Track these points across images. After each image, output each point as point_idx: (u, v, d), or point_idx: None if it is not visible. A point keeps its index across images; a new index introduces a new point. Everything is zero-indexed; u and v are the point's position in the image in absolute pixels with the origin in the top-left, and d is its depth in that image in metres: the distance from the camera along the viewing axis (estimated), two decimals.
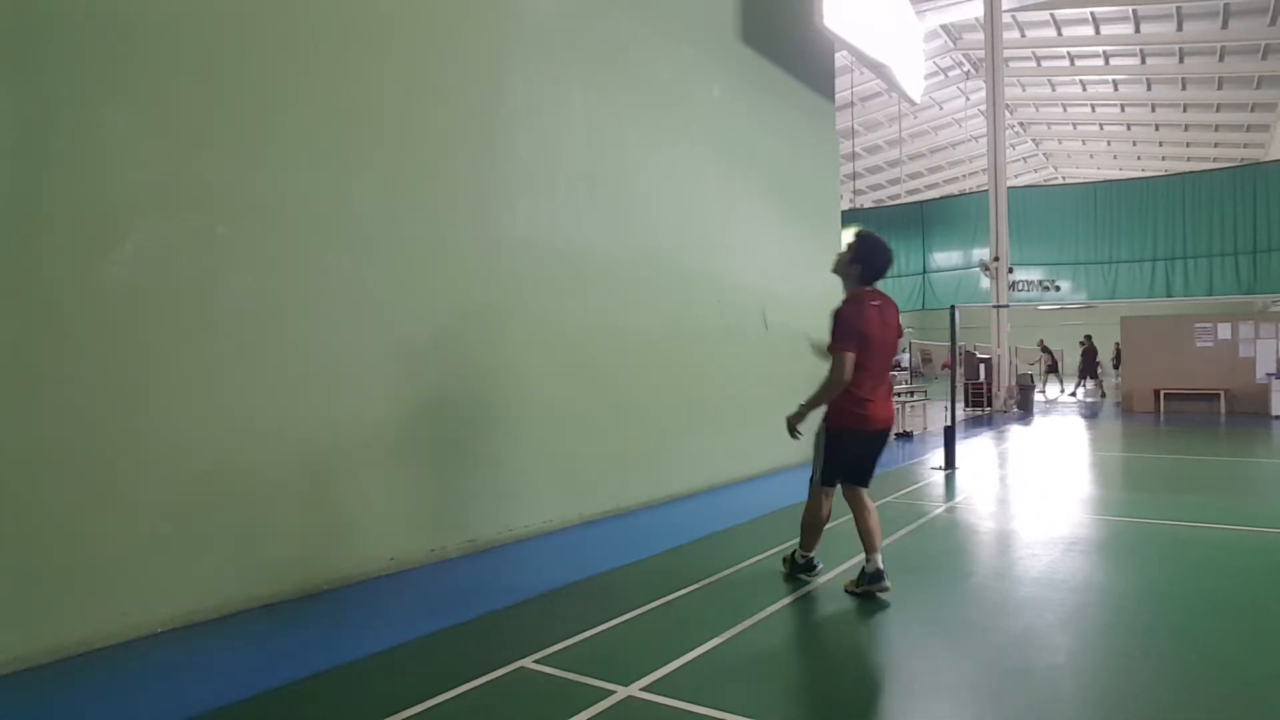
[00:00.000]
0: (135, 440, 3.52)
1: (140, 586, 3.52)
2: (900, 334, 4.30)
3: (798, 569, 4.38)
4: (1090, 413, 16.50)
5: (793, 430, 4.26)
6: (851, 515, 4.15)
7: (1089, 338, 20.53)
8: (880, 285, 4.25)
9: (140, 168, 3.55)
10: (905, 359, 25.21)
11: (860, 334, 3.97)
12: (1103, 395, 21.41)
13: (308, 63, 4.24)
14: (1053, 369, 23.58)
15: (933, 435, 11.52)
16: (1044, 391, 21.53)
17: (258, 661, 3.31)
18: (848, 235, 4.30)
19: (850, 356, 3.95)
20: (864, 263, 4.08)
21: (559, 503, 5.69)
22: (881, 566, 3.98)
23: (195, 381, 3.73)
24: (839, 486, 4.22)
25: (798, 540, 4.37)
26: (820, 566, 4.39)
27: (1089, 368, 20.73)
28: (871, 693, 3.00)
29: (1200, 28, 17.63)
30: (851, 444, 4.13)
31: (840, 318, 4.02)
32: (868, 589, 3.96)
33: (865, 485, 4.18)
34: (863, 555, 4.07)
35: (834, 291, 4.29)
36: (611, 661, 3.16)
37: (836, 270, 4.22)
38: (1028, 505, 6.48)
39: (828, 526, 4.33)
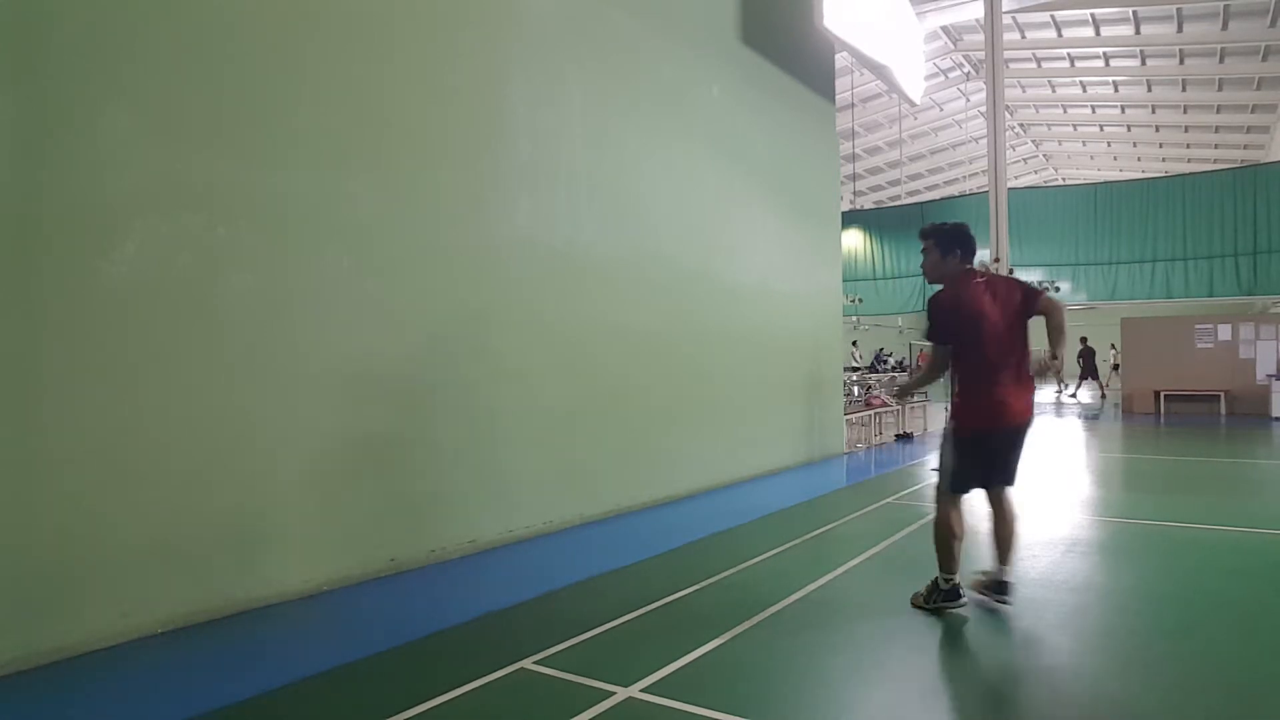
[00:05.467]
0: (135, 440, 3.52)
1: (140, 586, 3.51)
2: (1032, 307, 3.66)
3: (939, 598, 3.76)
4: (1090, 414, 16.49)
5: (899, 398, 4.03)
6: (935, 520, 3.79)
7: (1084, 339, 20.69)
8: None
9: (140, 168, 3.55)
10: (905, 360, 25.27)
11: (963, 320, 3.61)
12: (1103, 396, 21.48)
13: (308, 63, 4.24)
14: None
15: (933, 436, 11.52)
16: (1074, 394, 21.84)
17: (258, 662, 3.31)
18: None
19: (944, 349, 3.70)
20: (961, 245, 3.78)
21: (559, 503, 5.69)
22: (1008, 579, 3.70)
23: (195, 381, 3.73)
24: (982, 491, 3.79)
25: (936, 566, 3.80)
26: (965, 598, 3.77)
27: (1089, 368, 20.85)
28: (871, 693, 3.00)
29: (1200, 29, 17.62)
30: (978, 446, 3.67)
31: (939, 306, 3.71)
32: (986, 595, 3.73)
33: (1006, 485, 3.77)
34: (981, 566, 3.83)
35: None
36: (611, 662, 3.16)
37: (934, 276, 3.88)
38: (1028, 506, 6.47)
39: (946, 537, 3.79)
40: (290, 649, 3.47)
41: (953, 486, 3.76)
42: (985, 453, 3.67)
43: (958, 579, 3.76)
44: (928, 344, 3.81)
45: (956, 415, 3.71)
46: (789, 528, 5.60)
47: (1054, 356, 3.49)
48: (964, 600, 3.75)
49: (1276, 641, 3.35)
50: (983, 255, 17.08)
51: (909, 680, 3.11)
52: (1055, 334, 3.58)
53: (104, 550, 3.42)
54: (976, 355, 3.62)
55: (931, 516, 3.87)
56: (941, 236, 3.82)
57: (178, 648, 3.43)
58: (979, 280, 3.71)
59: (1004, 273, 16.17)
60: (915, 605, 3.86)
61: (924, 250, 3.89)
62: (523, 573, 4.67)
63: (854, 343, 26.13)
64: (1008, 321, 3.62)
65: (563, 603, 4.02)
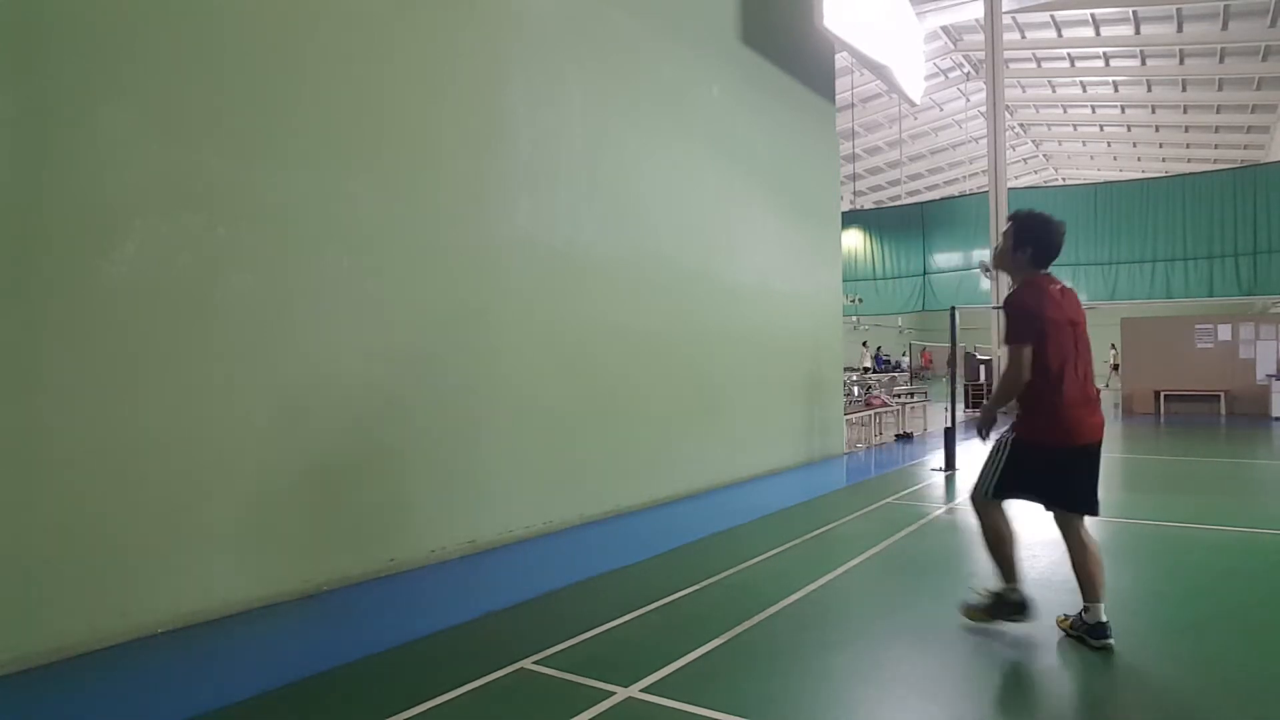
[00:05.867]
0: (135, 439, 3.52)
1: (140, 586, 3.52)
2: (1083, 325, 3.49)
3: (1005, 611, 3.48)
4: None
5: (982, 433, 3.58)
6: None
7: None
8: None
9: (140, 168, 3.55)
10: (905, 360, 25.27)
11: (1046, 323, 3.30)
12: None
13: (308, 63, 4.25)
14: None
15: (933, 436, 11.52)
16: None
17: (258, 662, 3.31)
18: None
19: (1029, 351, 3.29)
20: (1034, 243, 3.47)
21: (559, 503, 5.69)
22: (1104, 619, 3.25)
23: (195, 381, 3.73)
24: (1056, 515, 3.45)
25: (998, 579, 3.54)
26: (1031, 605, 3.47)
27: None
28: (871, 693, 3.00)
29: (1200, 29, 17.62)
30: (1045, 460, 3.34)
31: (1015, 305, 3.37)
32: (1084, 639, 3.29)
33: (1085, 514, 3.38)
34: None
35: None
36: (611, 662, 3.16)
37: (1000, 264, 3.62)
38: (1028, 506, 6.47)
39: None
40: (290, 649, 3.47)
41: (995, 492, 3.46)
42: (1051, 468, 3.34)
43: (1020, 587, 3.47)
44: (1007, 345, 3.43)
45: (1031, 427, 3.37)
46: (789, 528, 5.60)
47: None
48: (1030, 614, 3.45)
49: (1276, 641, 3.35)
50: (983, 255, 17.11)
51: (909, 680, 3.11)
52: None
53: (104, 550, 3.41)
54: (1054, 362, 3.30)
55: (976, 526, 3.61)
56: (1025, 224, 3.50)
57: (178, 648, 3.43)
58: (1057, 287, 3.45)
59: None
60: (971, 617, 3.55)
61: (1005, 233, 3.59)
62: (523, 573, 4.67)
63: (864, 343, 26.15)
64: (1082, 331, 3.43)
65: (563, 603, 4.02)
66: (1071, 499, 3.37)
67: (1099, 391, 3.50)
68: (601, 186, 6.19)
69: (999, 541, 3.51)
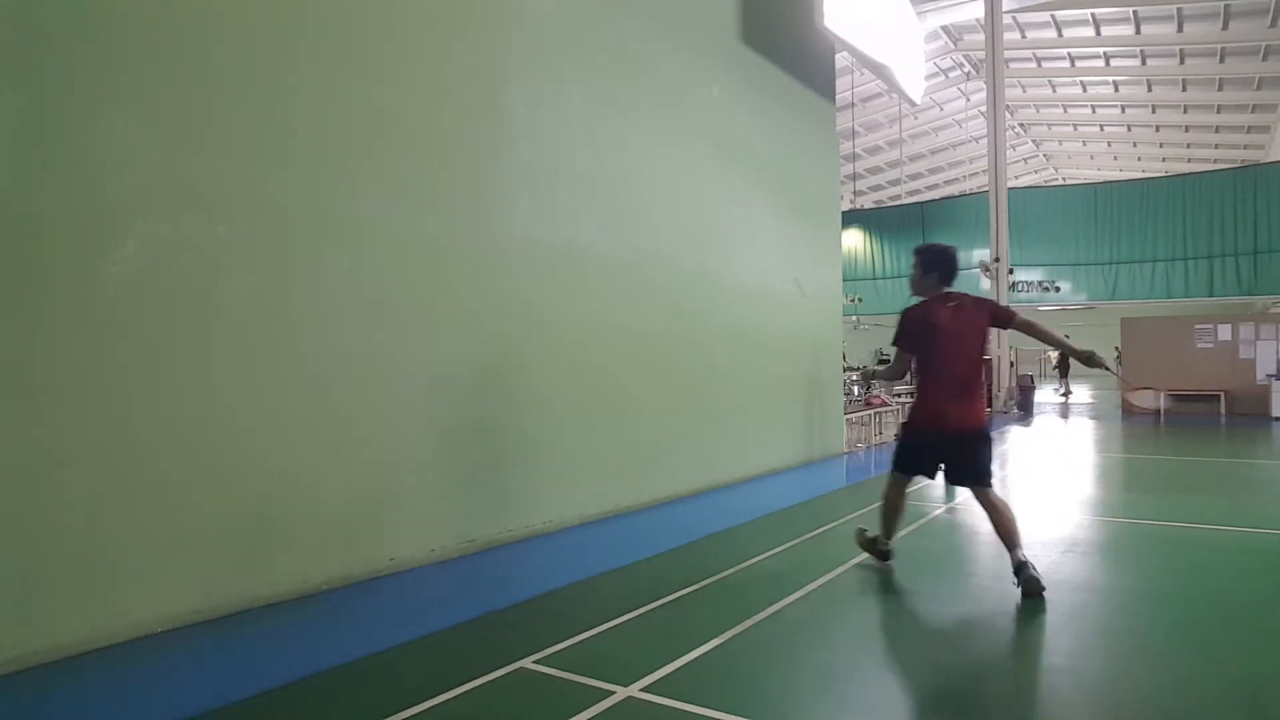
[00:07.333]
0: (135, 439, 3.52)
1: (140, 586, 3.52)
2: (1005, 323, 4.29)
3: (874, 553, 4.56)
4: (1091, 414, 16.49)
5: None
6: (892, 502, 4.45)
7: (1066, 336, 21.07)
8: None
9: (140, 168, 3.55)
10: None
11: (920, 336, 4.17)
12: (1066, 393, 21.73)
13: (308, 63, 4.24)
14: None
15: None
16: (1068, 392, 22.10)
17: (257, 662, 3.31)
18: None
19: (904, 354, 4.30)
20: (938, 269, 4.27)
21: (559, 503, 5.69)
22: (1023, 560, 3.95)
23: (195, 381, 3.73)
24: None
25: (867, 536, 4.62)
26: (893, 562, 4.51)
27: (1064, 366, 21.44)
28: (871, 693, 3.00)
29: (1201, 29, 17.62)
30: (921, 442, 4.26)
31: (902, 318, 4.29)
32: (1020, 584, 3.93)
33: (977, 485, 4.14)
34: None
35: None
36: (611, 661, 3.16)
37: (914, 288, 4.39)
38: (1028, 506, 6.47)
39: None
40: (290, 648, 3.47)
41: (897, 466, 4.40)
42: (928, 450, 4.23)
43: (892, 545, 4.52)
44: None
45: (911, 412, 4.39)
46: (789, 528, 5.61)
47: (1083, 354, 4.17)
48: (890, 563, 4.50)
49: (1277, 641, 3.35)
50: (983, 255, 17.11)
51: (909, 679, 3.11)
52: (1048, 338, 4.43)
53: (104, 550, 3.41)
54: (929, 368, 4.18)
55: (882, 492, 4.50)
56: (925, 256, 4.32)
57: (178, 647, 3.43)
58: (951, 304, 4.18)
59: (1004, 273, 16.22)
60: (856, 540, 4.67)
61: (913, 265, 4.39)
62: (522, 572, 4.67)
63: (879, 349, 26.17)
64: (964, 344, 4.14)
65: (563, 602, 4.02)
66: (959, 475, 4.24)
67: (981, 392, 4.26)
68: (601, 187, 6.19)
69: (890, 508, 4.45)
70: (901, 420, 4.41)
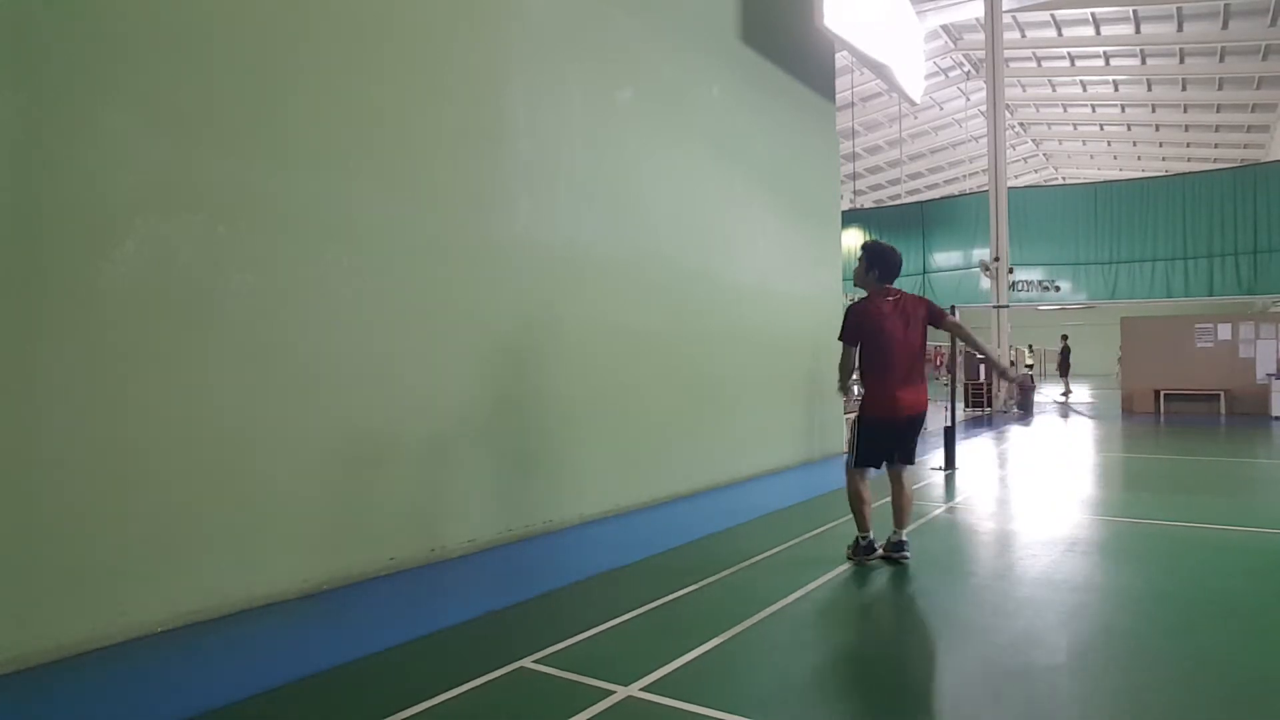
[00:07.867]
0: (135, 438, 3.51)
1: (140, 586, 3.52)
2: (938, 321, 4.57)
3: (860, 551, 4.63)
4: (1091, 413, 16.50)
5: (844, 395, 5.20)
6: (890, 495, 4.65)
7: (1064, 337, 21.24)
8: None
9: (140, 168, 3.55)
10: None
11: (863, 329, 4.45)
12: (1066, 393, 21.72)
13: (308, 63, 4.24)
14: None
15: (933, 436, 11.51)
16: (1068, 392, 22.16)
17: (257, 662, 3.31)
18: (854, 244, 4.72)
19: (850, 348, 4.54)
20: (879, 265, 4.53)
21: (559, 502, 5.69)
22: (903, 539, 4.53)
23: (195, 381, 3.72)
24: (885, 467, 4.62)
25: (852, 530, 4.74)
26: (875, 548, 4.62)
27: (1064, 366, 21.49)
28: (871, 693, 3.00)
29: (1200, 28, 17.63)
30: (877, 430, 4.50)
31: (848, 313, 4.55)
32: (888, 555, 4.53)
33: (904, 463, 4.56)
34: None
35: (834, 291, 4.36)
36: (611, 661, 3.16)
37: (858, 282, 4.65)
38: (1028, 506, 6.48)
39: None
40: (289, 648, 3.47)
41: (858, 462, 4.58)
42: (883, 436, 4.50)
43: (872, 535, 4.60)
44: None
45: (862, 404, 4.56)
46: (789, 527, 5.61)
47: (1000, 368, 4.74)
48: (877, 553, 4.60)
49: (1277, 641, 3.35)
50: (983, 254, 17.11)
51: (909, 679, 3.11)
52: (971, 343, 4.73)
53: (103, 550, 3.41)
54: (878, 358, 4.44)
55: (844, 487, 4.74)
56: (870, 252, 4.58)
57: (177, 647, 3.43)
58: (891, 298, 4.47)
59: (1004, 272, 16.22)
60: (848, 558, 4.65)
61: (858, 260, 4.63)
62: (522, 572, 4.67)
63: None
64: (908, 333, 4.42)
65: (563, 602, 4.02)
66: (902, 455, 4.57)
67: (923, 378, 4.60)
68: (601, 186, 6.19)
69: (858, 501, 4.59)
70: (853, 416, 4.67)
